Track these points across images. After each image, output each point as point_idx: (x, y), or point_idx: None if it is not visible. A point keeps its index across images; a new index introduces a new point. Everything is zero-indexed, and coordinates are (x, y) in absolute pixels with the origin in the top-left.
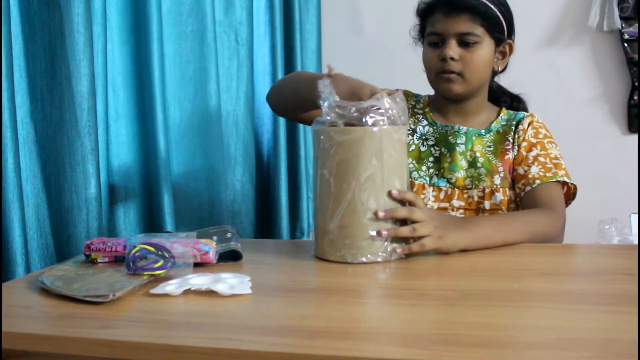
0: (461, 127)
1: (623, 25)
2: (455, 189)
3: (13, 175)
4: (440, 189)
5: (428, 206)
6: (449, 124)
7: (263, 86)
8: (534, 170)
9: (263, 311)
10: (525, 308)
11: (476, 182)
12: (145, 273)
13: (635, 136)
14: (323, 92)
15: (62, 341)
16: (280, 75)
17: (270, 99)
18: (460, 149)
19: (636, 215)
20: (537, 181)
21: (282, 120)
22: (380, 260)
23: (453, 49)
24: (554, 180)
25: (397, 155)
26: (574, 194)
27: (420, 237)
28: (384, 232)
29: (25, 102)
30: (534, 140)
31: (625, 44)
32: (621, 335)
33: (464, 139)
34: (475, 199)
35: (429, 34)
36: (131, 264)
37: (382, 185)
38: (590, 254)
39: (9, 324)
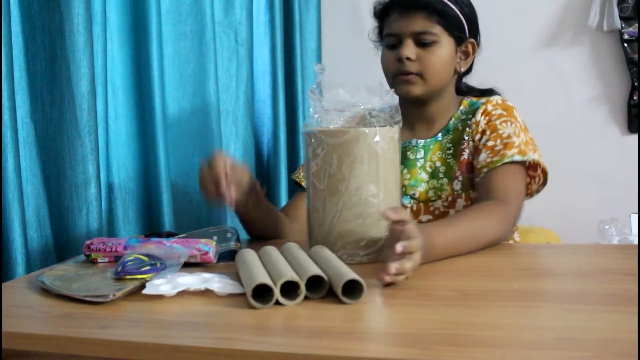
0: (418, 141)
1: (623, 25)
2: (420, 203)
3: (13, 175)
4: (405, 207)
5: None
6: (410, 137)
7: (263, 86)
8: (482, 157)
9: (263, 311)
10: (525, 308)
11: (439, 193)
12: (128, 277)
13: (635, 136)
14: (312, 99)
15: (62, 341)
16: (280, 75)
17: None
18: (419, 163)
19: (636, 215)
20: (485, 169)
21: (282, 121)
22: (377, 260)
23: (409, 49)
24: (502, 163)
25: (391, 154)
26: (545, 179)
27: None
28: (392, 271)
29: (25, 102)
30: (484, 128)
31: (625, 44)
32: (621, 335)
33: (422, 152)
34: (441, 209)
35: (386, 35)
36: (119, 268)
37: (378, 185)
38: (590, 254)
39: (9, 324)
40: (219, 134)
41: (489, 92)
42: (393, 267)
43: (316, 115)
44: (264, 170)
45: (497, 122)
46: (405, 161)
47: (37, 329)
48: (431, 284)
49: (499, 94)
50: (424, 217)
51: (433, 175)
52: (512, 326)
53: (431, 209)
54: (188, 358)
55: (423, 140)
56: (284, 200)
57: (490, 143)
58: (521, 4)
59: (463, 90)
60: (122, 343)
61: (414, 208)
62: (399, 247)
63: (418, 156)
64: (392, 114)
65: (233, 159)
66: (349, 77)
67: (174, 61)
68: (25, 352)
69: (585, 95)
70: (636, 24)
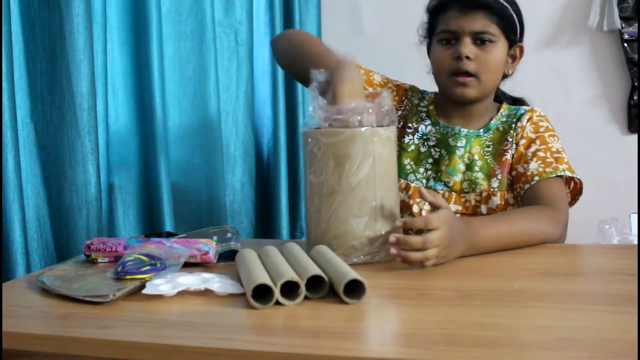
0: (462, 130)
1: (623, 25)
2: (453, 192)
3: (13, 175)
4: (437, 192)
5: (424, 211)
6: (451, 124)
7: (263, 86)
8: (533, 166)
9: (263, 311)
10: (525, 308)
11: (473, 186)
12: (128, 277)
13: (635, 136)
14: (312, 96)
15: (62, 341)
16: (280, 75)
17: (276, 55)
18: (459, 152)
19: (636, 215)
20: (536, 177)
21: (282, 120)
22: (373, 260)
23: (468, 48)
24: (554, 175)
25: (388, 154)
26: (581, 190)
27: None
28: (393, 250)
29: (25, 102)
30: (533, 136)
31: (625, 44)
32: (621, 335)
33: (463, 141)
34: (472, 202)
35: (442, 31)
36: (119, 268)
37: (374, 185)
38: (590, 254)
39: (9, 324)
40: (219, 134)
41: (520, 101)
42: (393, 237)
43: (315, 115)
44: (264, 170)
45: (546, 135)
46: (445, 146)
47: (37, 329)
48: (431, 284)
49: (528, 104)
50: (453, 207)
51: (469, 167)
52: (512, 326)
53: (463, 200)
54: (188, 358)
55: (466, 130)
56: (284, 200)
57: (541, 154)
58: (521, 4)
59: (498, 96)
60: (122, 343)
61: (445, 196)
62: (392, 238)
63: (459, 144)
64: (388, 114)
65: None
66: None
67: (174, 61)
68: (25, 352)
69: (585, 95)
70: (636, 24)
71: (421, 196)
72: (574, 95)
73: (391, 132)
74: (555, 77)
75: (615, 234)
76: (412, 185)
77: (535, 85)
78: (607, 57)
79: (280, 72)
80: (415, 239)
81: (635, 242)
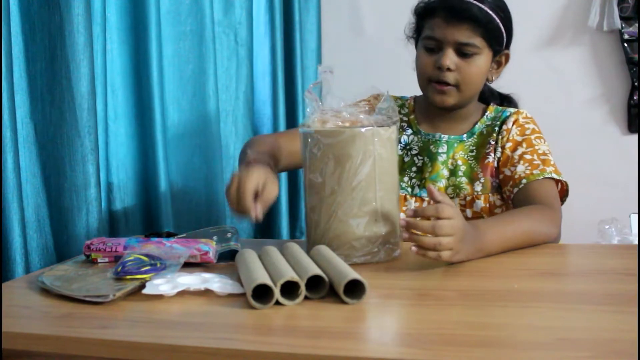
0: (442, 136)
1: (623, 25)
2: None
3: (13, 175)
4: (422, 200)
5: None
6: (432, 131)
7: (263, 86)
8: (520, 169)
9: (263, 311)
10: (525, 308)
11: (457, 191)
12: (128, 277)
13: (635, 136)
14: (309, 99)
15: (62, 341)
16: (280, 75)
17: None
18: (441, 158)
19: (636, 215)
20: (524, 180)
21: (282, 121)
22: (373, 260)
23: (450, 59)
24: (541, 177)
25: (388, 155)
26: (567, 191)
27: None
28: (405, 235)
29: (25, 102)
30: (519, 139)
31: (625, 44)
32: (621, 335)
33: (445, 147)
34: (458, 207)
35: (426, 37)
36: (119, 268)
37: (374, 185)
38: (590, 254)
39: (9, 324)
40: (219, 134)
41: (507, 99)
42: (411, 210)
43: (313, 115)
44: None
45: (532, 137)
46: (427, 153)
47: (37, 329)
48: (431, 284)
49: (516, 102)
50: None
51: (453, 172)
52: (512, 326)
53: None
54: (188, 358)
55: (447, 136)
56: (284, 200)
57: (527, 157)
58: (521, 4)
59: (485, 93)
60: (122, 343)
61: (431, 202)
62: (403, 222)
63: (440, 150)
64: (390, 114)
65: (266, 174)
66: (348, 78)
67: (174, 61)
68: (25, 352)
69: (585, 95)
70: (636, 24)
71: (430, 194)
72: (574, 95)
73: (392, 132)
74: (555, 77)
75: (615, 234)
76: None
77: (536, 85)
78: (607, 57)
79: (280, 72)
80: (424, 222)
81: (635, 242)
